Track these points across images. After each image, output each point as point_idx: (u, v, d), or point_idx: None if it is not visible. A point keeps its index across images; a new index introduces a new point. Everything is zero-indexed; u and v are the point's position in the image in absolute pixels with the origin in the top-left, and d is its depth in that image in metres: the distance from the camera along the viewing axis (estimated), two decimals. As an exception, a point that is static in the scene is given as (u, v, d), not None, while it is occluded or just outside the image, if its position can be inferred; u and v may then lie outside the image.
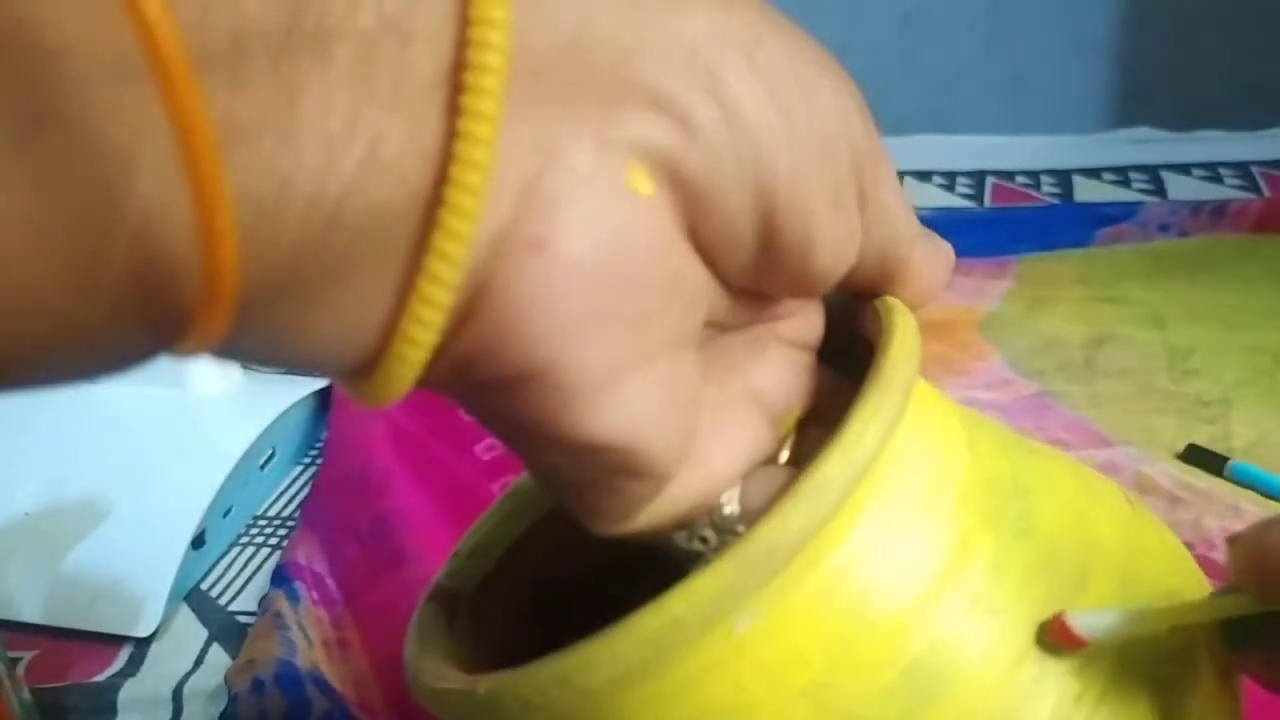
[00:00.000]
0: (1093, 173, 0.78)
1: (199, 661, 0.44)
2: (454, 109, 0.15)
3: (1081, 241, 0.67)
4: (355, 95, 0.14)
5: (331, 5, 0.14)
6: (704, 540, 0.20)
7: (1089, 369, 0.54)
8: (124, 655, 0.45)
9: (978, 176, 0.79)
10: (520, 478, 0.26)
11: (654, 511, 0.19)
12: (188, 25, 0.13)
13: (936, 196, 0.77)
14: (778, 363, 0.22)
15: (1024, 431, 0.50)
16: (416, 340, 0.16)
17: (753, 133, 0.17)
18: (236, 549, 0.50)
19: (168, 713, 0.42)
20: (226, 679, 0.41)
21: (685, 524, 0.20)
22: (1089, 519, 0.21)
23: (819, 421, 0.22)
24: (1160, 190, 0.75)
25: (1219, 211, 0.67)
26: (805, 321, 0.22)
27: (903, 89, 1.90)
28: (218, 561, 0.50)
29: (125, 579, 0.45)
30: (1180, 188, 0.75)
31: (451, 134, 0.15)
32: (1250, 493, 0.45)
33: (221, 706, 0.41)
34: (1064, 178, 0.78)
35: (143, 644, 0.45)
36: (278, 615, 0.43)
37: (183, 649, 0.45)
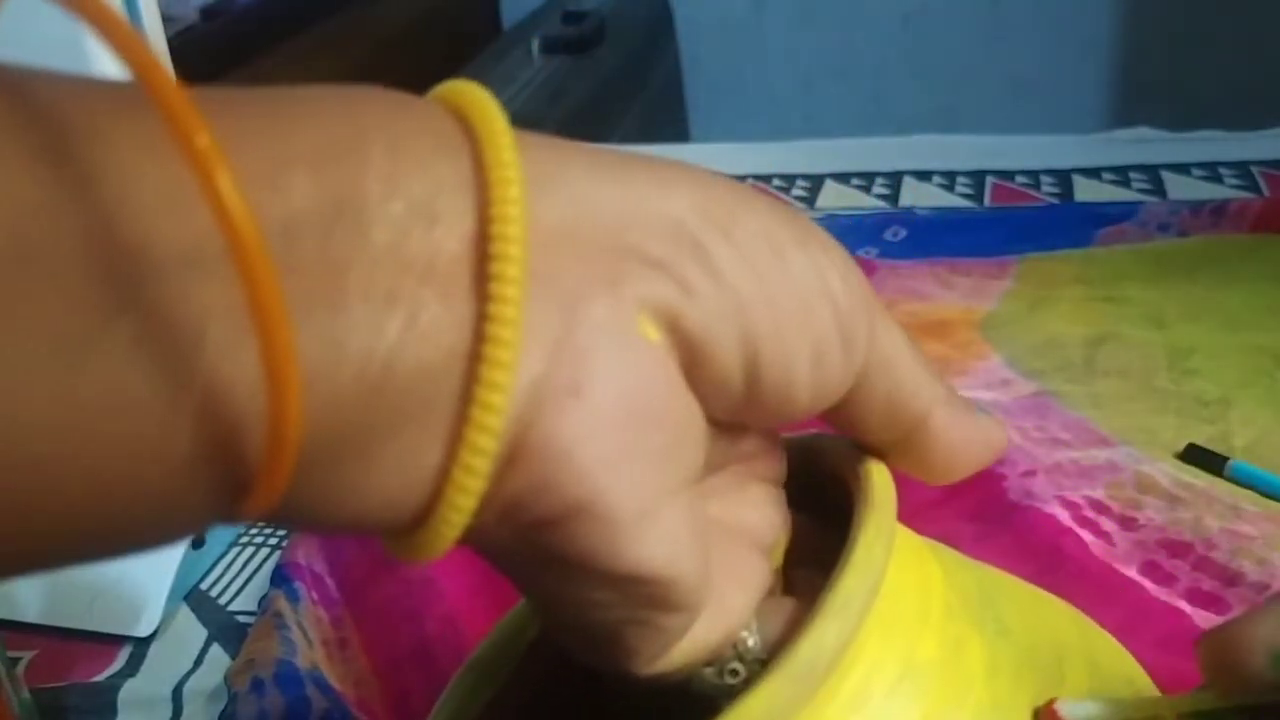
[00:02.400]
0: (1092, 173, 0.78)
1: (199, 661, 0.44)
2: (482, 278, 0.17)
3: (1081, 241, 0.67)
4: (392, 271, 0.16)
5: (367, 195, 0.16)
6: (734, 673, 0.22)
7: (1089, 369, 0.54)
8: (124, 655, 0.45)
9: (977, 176, 0.79)
10: (476, 650, 0.27)
11: (684, 650, 0.21)
12: (254, 215, 0.14)
13: (936, 196, 0.77)
14: (759, 499, 0.23)
15: (1024, 431, 0.50)
16: (467, 487, 0.17)
17: (737, 293, 0.19)
18: (236, 549, 0.50)
19: (168, 712, 0.42)
20: (226, 679, 0.41)
21: (712, 660, 0.21)
22: (1047, 618, 0.24)
23: (797, 559, 0.24)
24: (1160, 190, 0.75)
25: (1219, 211, 0.67)
26: (774, 458, 0.24)
27: (903, 89, 1.91)
28: (218, 561, 0.50)
29: (125, 579, 0.45)
30: (1180, 188, 0.75)
31: (484, 300, 0.17)
32: (1250, 493, 0.45)
33: (221, 706, 0.41)
34: (1064, 178, 0.78)
35: (143, 644, 0.45)
36: (277, 615, 0.43)
37: (183, 649, 0.45)
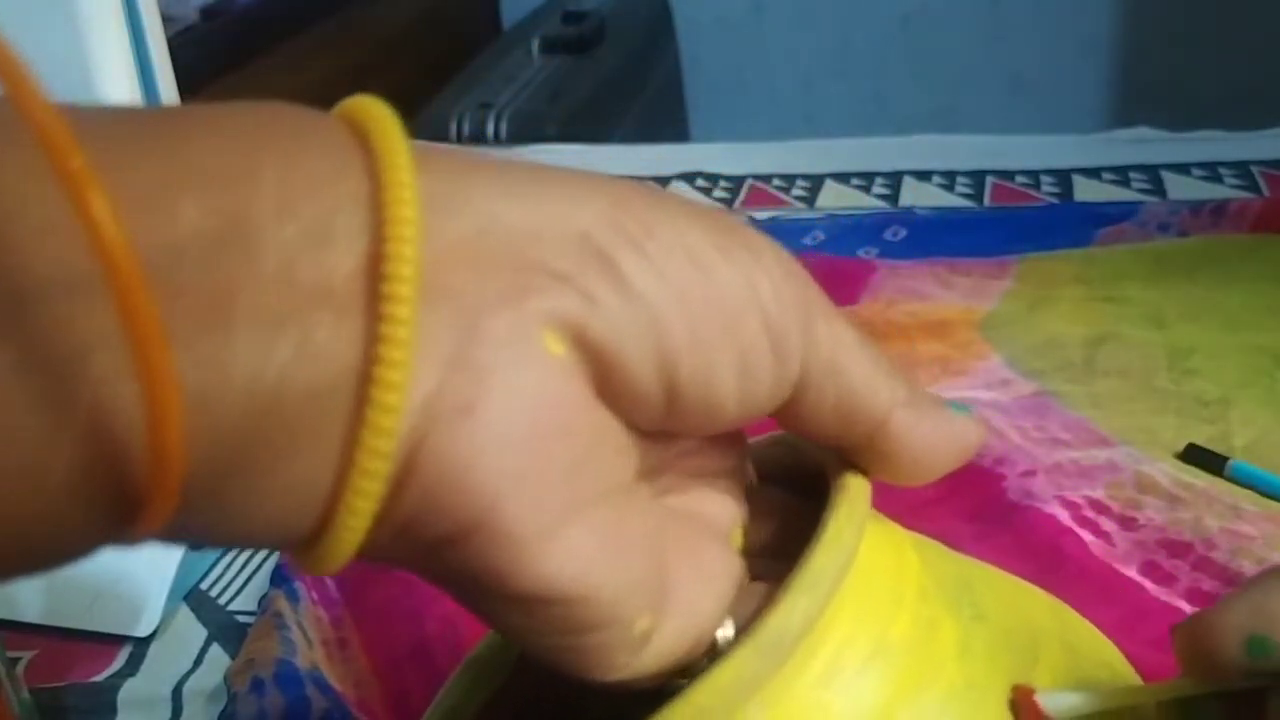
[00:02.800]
0: (1092, 172, 0.78)
1: (199, 661, 0.44)
2: (375, 298, 0.17)
3: (1081, 241, 0.67)
4: (282, 294, 0.16)
5: (257, 218, 0.16)
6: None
7: (1089, 369, 0.54)
8: (124, 655, 0.45)
9: (977, 176, 0.79)
10: (475, 648, 0.27)
11: (647, 661, 0.20)
12: (131, 239, 0.14)
13: (936, 196, 0.77)
14: (712, 491, 0.23)
15: (1023, 431, 0.50)
16: (357, 510, 0.17)
17: (647, 305, 0.19)
18: (236, 549, 0.50)
19: (167, 712, 0.42)
20: (226, 679, 0.41)
21: (686, 668, 0.21)
22: (1024, 605, 0.25)
23: (782, 550, 0.24)
24: (1160, 190, 0.75)
25: (1219, 211, 0.67)
26: (721, 451, 0.23)
27: (903, 89, 1.91)
28: (217, 561, 0.50)
29: (125, 579, 0.45)
30: (1180, 187, 0.75)
31: (375, 320, 0.17)
32: (1250, 493, 0.45)
33: (221, 706, 0.41)
34: (1063, 177, 0.78)
35: (143, 644, 0.45)
36: (277, 615, 0.43)
37: (182, 649, 0.45)
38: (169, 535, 0.17)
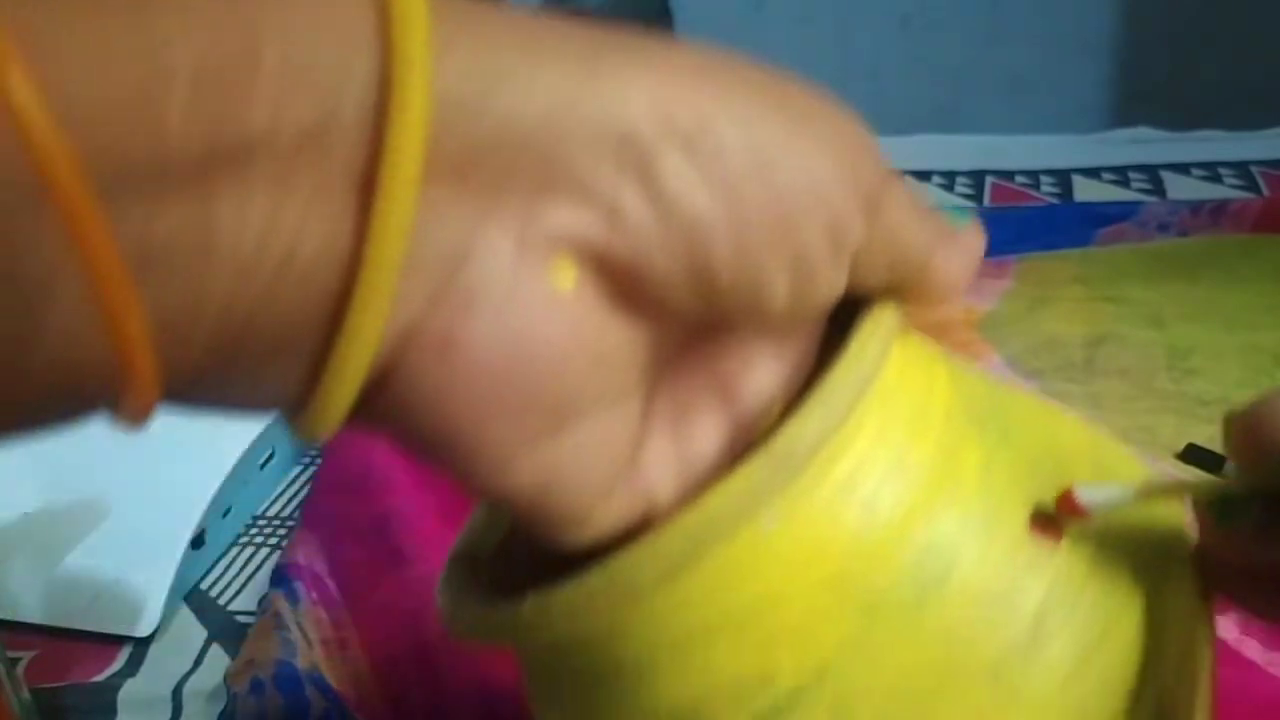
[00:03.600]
0: (1092, 172, 0.78)
1: (198, 661, 0.44)
2: (366, 216, 0.15)
3: (1081, 241, 0.67)
4: (271, 209, 0.15)
5: (253, 121, 0.14)
6: None
7: (1088, 369, 0.54)
8: (124, 655, 0.45)
9: (977, 176, 0.79)
10: None
11: (589, 534, 0.20)
12: (101, 147, 0.13)
13: (936, 196, 0.77)
14: (750, 355, 0.21)
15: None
16: (328, 419, 0.17)
17: (686, 218, 0.17)
18: (236, 549, 0.50)
19: (167, 713, 0.42)
20: (226, 679, 0.41)
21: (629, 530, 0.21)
22: (1056, 429, 0.24)
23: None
24: (1159, 190, 0.75)
25: (1219, 211, 0.67)
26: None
27: (902, 89, 1.90)
28: (217, 561, 0.50)
29: (125, 579, 0.46)
30: (1179, 187, 0.75)
31: (362, 240, 0.15)
32: (1250, 492, 0.45)
33: (221, 706, 0.41)
34: (1063, 177, 0.78)
35: (143, 644, 0.45)
36: (277, 615, 0.43)
37: (182, 649, 0.45)
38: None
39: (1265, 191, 0.73)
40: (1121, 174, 0.77)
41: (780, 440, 0.19)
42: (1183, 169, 0.77)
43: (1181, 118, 0.85)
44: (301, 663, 0.41)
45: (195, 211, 0.14)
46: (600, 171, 0.17)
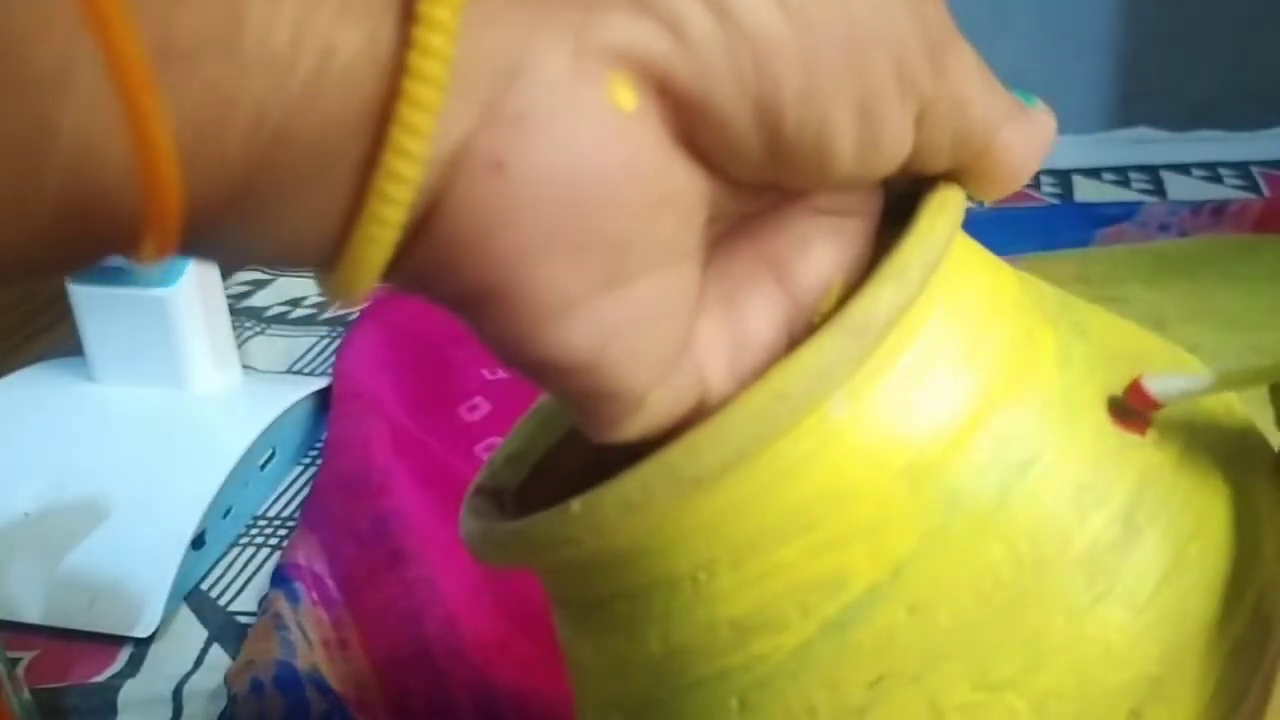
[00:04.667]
0: (1092, 173, 0.78)
1: (199, 662, 0.44)
2: (410, 17, 0.14)
3: (1081, 241, 0.67)
4: (305, 5, 0.14)
5: None
6: None
7: (1089, 369, 0.54)
8: (124, 655, 0.45)
9: (978, 176, 0.79)
10: (538, 400, 0.26)
11: (643, 422, 0.18)
12: None
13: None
14: (807, 232, 0.20)
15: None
16: (369, 259, 0.15)
17: (753, 44, 0.16)
18: (236, 549, 0.50)
19: (168, 713, 0.42)
20: (226, 680, 0.41)
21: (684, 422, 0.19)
22: (1130, 331, 0.23)
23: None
24: (1160, 190, 0.75)
25: (1219, 211, 0.67)
26: (843, 193, 0.20)
27: (903, 89, 1.90)
28: (218, 562, 0.50)
29: (125, 579, 0.45)
30: (1180, 188, 0.75)
31: (406, 44, 0.14)
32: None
33: (221, 707, 0.41)
34: (1063, 178, 0.78)
35: (143, 644, 0.45)
36: (277, 616, 0.43)
37: (183, 649, 0.45)
38: (180, 255, 0.15)
39: (1265, 192, 0.73)
40: (1122, 174, 0.77)
41: (851, 314, 0.18)
42: (1183, 169, 0.77)
43: (1181, 118, 0.85)
44: (301, 663, 0.41)
45: (221, 8, 0.13)
46: None
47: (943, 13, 0.18)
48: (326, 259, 0.16)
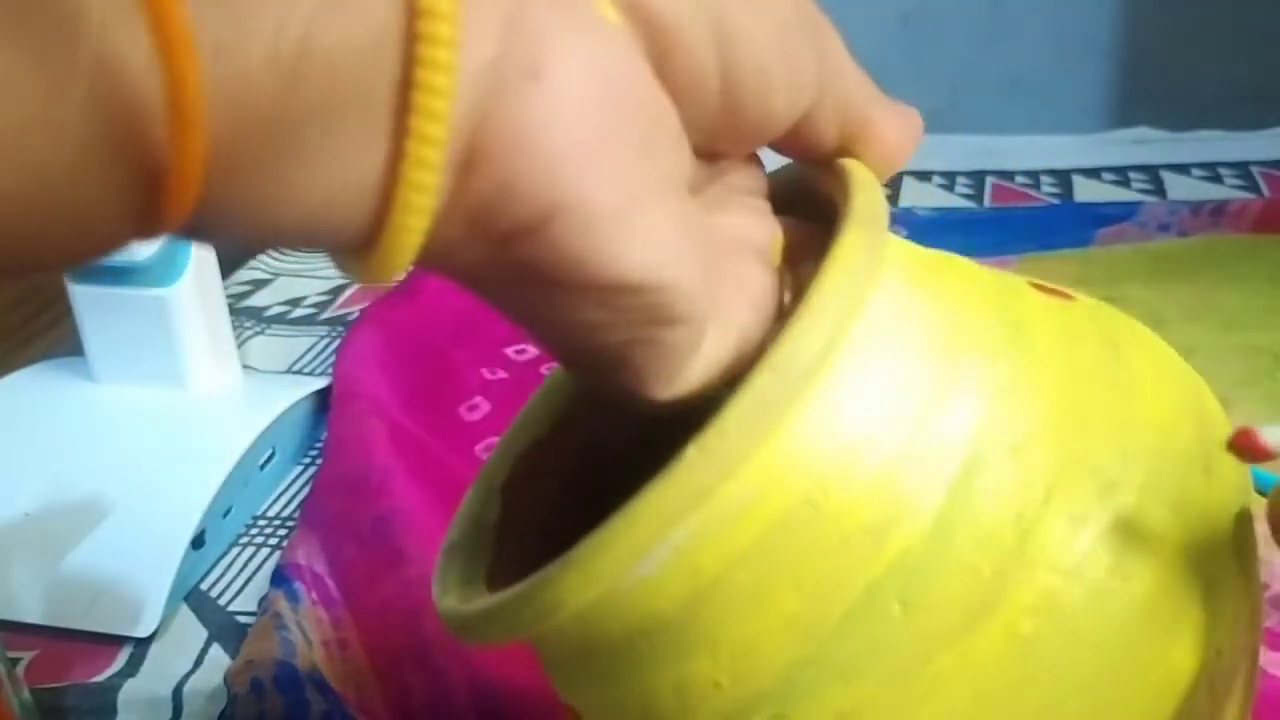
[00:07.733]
0: (1092, 173, 0.78)
1: (199, 662, 0.44)
2: None
3: (1081, 241, 0.67)
4: None
5: None
6: None
7: (1089, 369, 0.54)
8: (124, 655, 0.45)
9: (977, 176, 0.79)
10: (534, 394, 0.26)
11: (698, 371, 0.19)
12: None
13: (936, 196, 0.77)
14: (746, 210, 0.22)
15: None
16: (421, 184, 0.15)
17: None
18: (236, 549, 0.50)
19: (168, 713, 0.42)
20: (226, 679, 0.41)
21: (730, 380, 0.19)
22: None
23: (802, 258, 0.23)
24: (1160, 190, 0.75)
25: (1219, 211, 0.67)
26: (750, 172, 0.22)
27: (902, 89, 1.90)
28: (218, 561, 0.50)
29: (125, 579, 0.45)
30: (1180, 188, 0.75)
31: None
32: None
33: (221, 707, 0.41)
34: (1064, 178, 0.78)
35: (143, 644, 0.45)
36: (277, 615, 0.43)
37: (183, 649, 0.45)
38: (209, 227, 0.15)
39: (1265, 192, 0.73)
40: (1122, 174, 0.77)
41: (781, 347, 0.18)
42: (1183, 169, 0.77)
43: (1181, 118, 0.86)
44: (301, 663, 0.41)
45: None
46: None
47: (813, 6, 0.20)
48: (364, 222, 0.16)
